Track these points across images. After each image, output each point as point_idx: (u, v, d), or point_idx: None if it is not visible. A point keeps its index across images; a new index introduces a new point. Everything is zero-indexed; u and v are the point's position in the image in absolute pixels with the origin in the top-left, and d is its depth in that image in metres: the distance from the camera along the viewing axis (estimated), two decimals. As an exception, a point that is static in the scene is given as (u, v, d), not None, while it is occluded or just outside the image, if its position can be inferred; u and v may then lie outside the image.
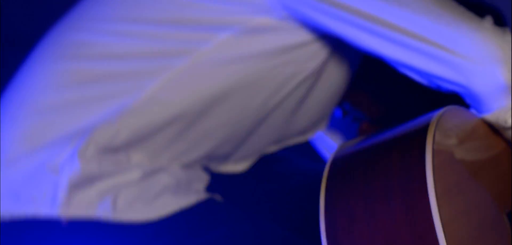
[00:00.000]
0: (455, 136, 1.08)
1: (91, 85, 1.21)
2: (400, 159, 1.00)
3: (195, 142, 1.26)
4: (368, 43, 1.16)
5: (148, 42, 1.20)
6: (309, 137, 1.47)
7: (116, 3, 1.25)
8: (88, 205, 1.17)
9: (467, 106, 1.17)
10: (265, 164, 1.42)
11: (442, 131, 1.03)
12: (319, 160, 1.55)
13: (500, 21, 1.30)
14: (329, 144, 1.54)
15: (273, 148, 1.41)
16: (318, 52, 1.25)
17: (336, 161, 1.05)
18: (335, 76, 1.32)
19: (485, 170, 1.12)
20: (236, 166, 1.38)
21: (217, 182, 1.34)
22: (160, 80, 1.19)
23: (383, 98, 1.47)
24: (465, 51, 1.09)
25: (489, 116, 1.12)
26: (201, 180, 1.30)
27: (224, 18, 1.19)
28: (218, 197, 1.30)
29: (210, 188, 1.31)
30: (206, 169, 1.33)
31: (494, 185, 1.13)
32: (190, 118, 1.23)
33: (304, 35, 1.22)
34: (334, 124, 1.50)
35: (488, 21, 1.11)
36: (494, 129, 1.16)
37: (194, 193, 1.25)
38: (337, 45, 1.25)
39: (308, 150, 1.55)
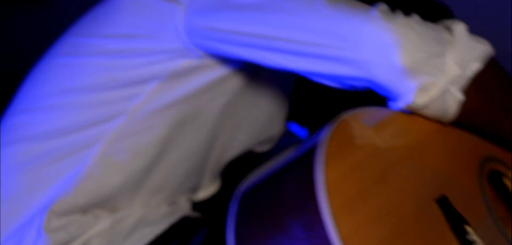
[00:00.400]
0: (363, 139, 1.04)
1: (40, 163, 1.24)
2: (296, 182, 0.97)
3: (158, 186, 1.29)
4: (274, 61, 1.14)
5: (83, 110, 1.23)
6: (269, 147, 1.47)
7: (46, 79, 1.29)
8: None
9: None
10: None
11: (341, 139, 1.00)
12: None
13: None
14: None
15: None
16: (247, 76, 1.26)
17: (242, 195, 1.02)
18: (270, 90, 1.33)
19: (407, 162, 1.08)
20: (209, 189, 1.42)
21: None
22: (103, 144, 1.22)
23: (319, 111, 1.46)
24: (358, 45, 1.06)
25: (403, 104, 1.08)
26: (182, 210, 1.33)
27: (148, 70, 1.21)
28: (195, 214, 1.34)
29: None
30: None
31: (419, 175, 1.08)
32: (145, 169, 1.26)
33: (227, 68, 1.23)
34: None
35: (377, 8, 1.06)
36: (415, 114, 1.11)
37: (168, 217, 1.28)
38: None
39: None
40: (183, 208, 1.35)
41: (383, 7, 1.08)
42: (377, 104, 1.14)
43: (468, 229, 1.07)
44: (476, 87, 1.12)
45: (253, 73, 1.28)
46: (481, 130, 1.24)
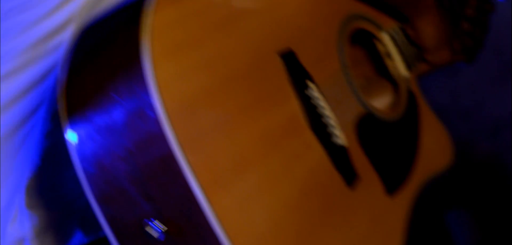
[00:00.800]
0: None
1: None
2: (126, 23, 0.96)
3: None
4: None
5: (16, 76, 1.21)
6: None
7: None
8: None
9: None
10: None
11: None
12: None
13: None
14: None
15: None
16: None
17: (83, 32, 1.01)
18: None
19: (256, 14, 1.06)
20: None
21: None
22: (48, 103, 1.21)
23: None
24: None
25: None
26: None
27: (59, 14, 1.18)
28: None
29: None
30: None
31: (268, 27, 1.07)
32: None
33: None
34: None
35: None
36: None
37: None
38: None
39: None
40: None
41: None
42: None
43: (310, 84, 1.07)
44: None
45: None
46: None
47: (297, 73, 1.05)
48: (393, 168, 1.15)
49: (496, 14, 1.78)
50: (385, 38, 1.28)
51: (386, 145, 1.16)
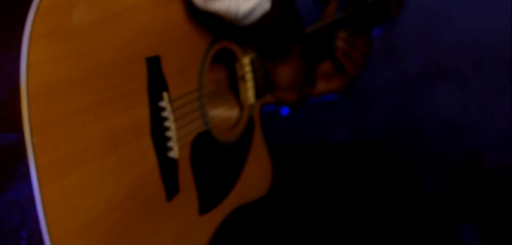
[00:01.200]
0: None
1: None
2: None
3: None
4: None
5: None
6: None
7: None
8: None
9: None
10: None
11: None
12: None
13: None
14: None
15: None
16: None
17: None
18: None
19: (138, 13, 1.13)
20: None
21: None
22: None
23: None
24: None
25: None
26: None
27: None
28: None
29: None
30: None
31: (144, 28, 1.14)
32: None
33: None
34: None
35: None
36: None
37: None
38: None
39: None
40: None
41: None
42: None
43: (165, 96, 1.15)
44: None
45: None
46: None
47: (156, 82, 1.14)
48: (212, 189, 1.26)
49: (505, 28, 1.84)
50: (246, 63, 1.37)
51: (212, 166, 1.27)
